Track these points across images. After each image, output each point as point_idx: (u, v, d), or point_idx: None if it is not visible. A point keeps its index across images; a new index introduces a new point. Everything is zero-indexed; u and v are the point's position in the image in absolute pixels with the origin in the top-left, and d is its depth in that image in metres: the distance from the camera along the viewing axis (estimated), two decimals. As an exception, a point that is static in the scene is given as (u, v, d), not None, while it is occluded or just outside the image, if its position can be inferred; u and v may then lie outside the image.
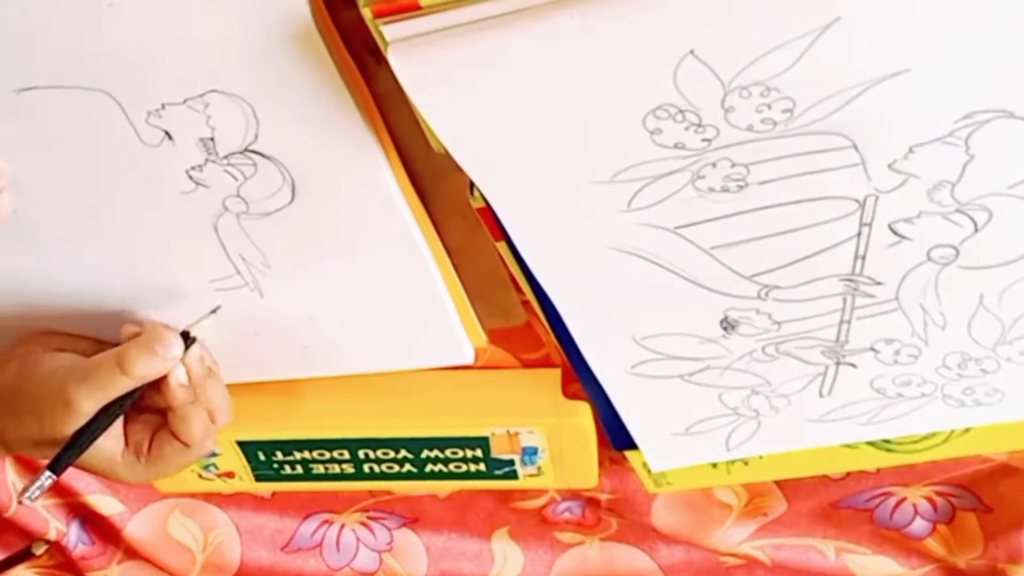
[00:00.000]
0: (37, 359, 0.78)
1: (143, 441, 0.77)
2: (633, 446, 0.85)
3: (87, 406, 0.73)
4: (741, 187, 0.61)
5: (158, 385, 0.75)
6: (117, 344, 0.76)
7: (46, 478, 0.74)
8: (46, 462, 0.74)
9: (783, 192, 0.62)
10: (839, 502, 0.97)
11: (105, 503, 1.04)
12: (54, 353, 0.79)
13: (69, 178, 0.70)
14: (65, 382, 0.73)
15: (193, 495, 1.06)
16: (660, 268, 0.67)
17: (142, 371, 0.73)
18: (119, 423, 0.77)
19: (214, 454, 0.95)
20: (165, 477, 0.80)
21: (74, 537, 1.08)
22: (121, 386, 0.73)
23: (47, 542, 1.07)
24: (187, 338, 0.76)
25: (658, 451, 0.84)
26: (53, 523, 1.06)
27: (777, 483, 0.95)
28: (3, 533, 1.10)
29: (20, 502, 0.75)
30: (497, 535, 1.05)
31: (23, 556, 1.10)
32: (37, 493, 0.74)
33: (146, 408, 0.78)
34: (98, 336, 0.81)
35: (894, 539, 0.99)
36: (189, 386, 0.76)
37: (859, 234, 0.64)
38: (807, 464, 0.86)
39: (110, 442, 0.76)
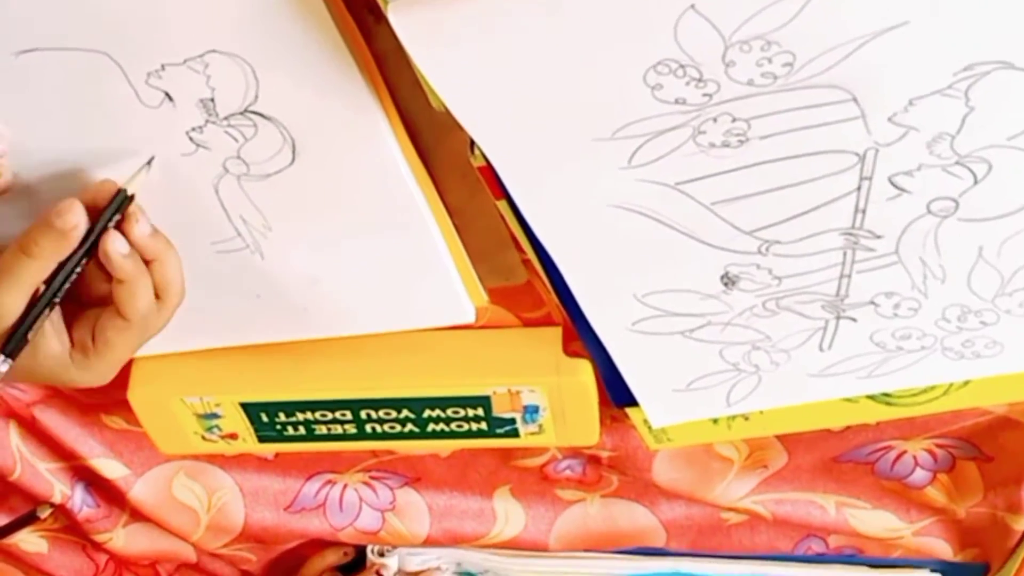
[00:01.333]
0: None
1: (86, 336, 0.73)
2: (634, 403, 0.85)
3: (9, 302, 0.69)
4: (742, 142, 0.61)
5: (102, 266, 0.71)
6: None
7: (3, 363, 0.70)
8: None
9: (784, 146, 0.62)
10: (840, 456, 0.97)
11: (109, 467, 1.05)
12: None
13: (69, 141, 0.70)
14: None
15: (196, 457, 1.07)
16: (661, 225, 0.67)
17: (48, 249, 0.69)
18: (61, 324, 0.73)
19: (216, 415, 0.95)
20: (115, 370, 0.75)
21: (79, 500, 1.08)
22: (34, 271, 0.69)
23: (52, 505, 1.08)
24: (124, 195, 0.70)
25: (659, 407, 0.85)
26: (58, 487, 1.06)
27: (778, 436, 0.95)
28: (8, 497, 1.11)
29: None
30: (499, 493, 1.06)
31: (28, 519, 1.11)
32: None
33: (88, 302, 0.74)
34: None
35: (895, 491, 1.00)
36: (133, 256, 0.71)
37: (859, 188, 0.64)
38: (807, 418, 0.86)
39: (54, 344, 0.72)
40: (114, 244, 0.70)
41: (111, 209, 0.70)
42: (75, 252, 0.70)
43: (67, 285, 0.71)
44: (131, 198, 0.70)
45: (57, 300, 0.71)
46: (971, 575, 1.08)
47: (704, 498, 1.00)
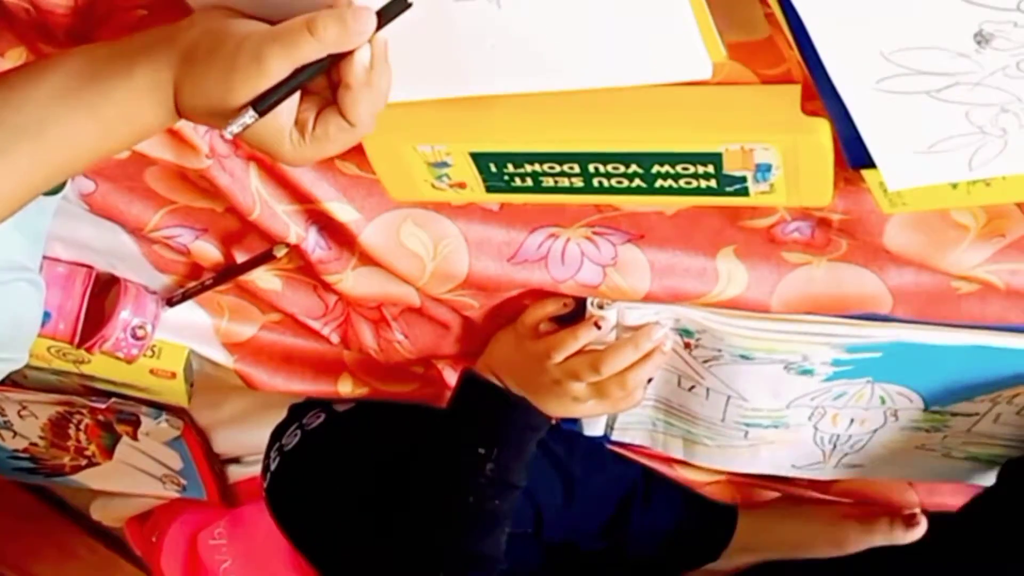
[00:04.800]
0: (224, 24, 0.79)
1: (308, 119, 0.79)
2: (870, 164, 0.83)
3: (276, 66, 0.75)
4: None
5: (336, 63, 0.77)
6: None
7: (248, 116, 0.76)
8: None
9: None
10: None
11: (342, 211, 1.08)
12: (241, 19, 0.80)
13: None
14: (260, 43, 0.75)
15: (424, 206, 1.09)
16: (917, -23, 0.65)
17: (332, 38, 0.75)
18: (296, 100, 0.78)
19: (446, 164, 0.97)
20: (318, 159, 0.82)
21: (312, 242, 1.12)
22: (309, 49, 0.75)
23: (287, 246, 1.12)
24: (400, 5, 0.76)
25: (897, 170, 0.83)
26: (293, 228, 1.10)
27: (1018, 205, 0.92)
28: (246, 236, 1.16)
29: (222, 136, 0.78)
30: (722, 253, 1.05)
31: (265, 258, 1.15)
32: (237, 129, 0.76)
33: (312, 90, 0.79)
34: None
35: None
36: (368, 67, 0.77)
37: None
38: (1052, 186, 0.83)
39: (282, 117, 0.78)
40: (360, 53, 0.77)
41: (389, 15, 0.76)
42: None
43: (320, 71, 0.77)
44: (409, 6, 0.76)
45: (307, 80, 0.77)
46: None
47: (936, 265, 0.98)
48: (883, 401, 1.15)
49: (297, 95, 0.78)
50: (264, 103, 0.76)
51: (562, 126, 0.91)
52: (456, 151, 0.95)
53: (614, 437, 1.31)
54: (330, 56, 0.76)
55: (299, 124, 0.79)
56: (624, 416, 1.27)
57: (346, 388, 1.31)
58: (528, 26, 0.79)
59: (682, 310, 1.10)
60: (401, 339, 1.25)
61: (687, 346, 1.13)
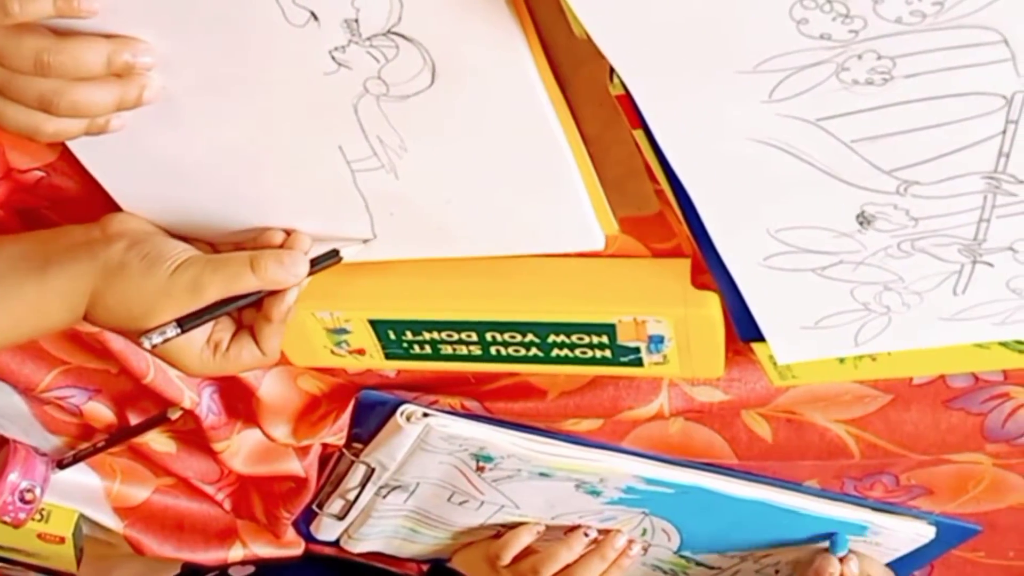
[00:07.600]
0: (155, 242, 0.81)
1: (223, 340, 0.84)
2: (760, 338, 0.85)
3: (213, 295, 0.79)
4: (886, 80, 0.60)
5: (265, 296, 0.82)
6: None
7: (173, 329, 0.79)
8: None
9: (929, 86, 0.60)
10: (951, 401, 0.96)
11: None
12: (167, 238, 0.83)
13: (215, 57, 0.71)
14: (200, 273, 0.79)
15: (322, 370, 1.09)
16: (798, 160, 0.67)
17: (270, 276, 0.80)
18: (212, 322, 0.82)
19: (345, 331, 0.97)
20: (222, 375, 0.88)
21: (205, 407, 1.11)
22: (248, 285, 0.80)
23: (182, 409, 1.11)
24: (335, 255, 0.83)
25: (786, 344, 0.84)
26: (187, 393, 1.08)
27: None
28: (140, 399, 1.14)
29: (139, 343, 0.79)
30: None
31: (159, 420, 1.14)
32: (159, 341, 0.79)
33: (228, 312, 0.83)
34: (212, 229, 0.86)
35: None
36: (291, 307, 0.83)
37: (1004, 131, 0.63)
38: (936, 362, 0.85)
39: (197, 333, 0.81)
40: (292, 293, 0.82)
41: (321, 264, 0.83)
42: None
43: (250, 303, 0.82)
44: (340, 260, 0.84)
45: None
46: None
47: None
48: (644, 533, 1.19)
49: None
50: (190, 322, 0.79)
51: (459, 294, 0.92)
52: (355, 317, 0.95)
53: (346, 545, 1.32)
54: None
55: (211, 342, 0.83)
56: (365, 528, 1.27)
57: (237, 555, 1.29)
58: (425, 196, 0.80)
59: (492, 437, 1.09)
60: (287, 516, 1.25)
61: (479, 469, 1.14)
